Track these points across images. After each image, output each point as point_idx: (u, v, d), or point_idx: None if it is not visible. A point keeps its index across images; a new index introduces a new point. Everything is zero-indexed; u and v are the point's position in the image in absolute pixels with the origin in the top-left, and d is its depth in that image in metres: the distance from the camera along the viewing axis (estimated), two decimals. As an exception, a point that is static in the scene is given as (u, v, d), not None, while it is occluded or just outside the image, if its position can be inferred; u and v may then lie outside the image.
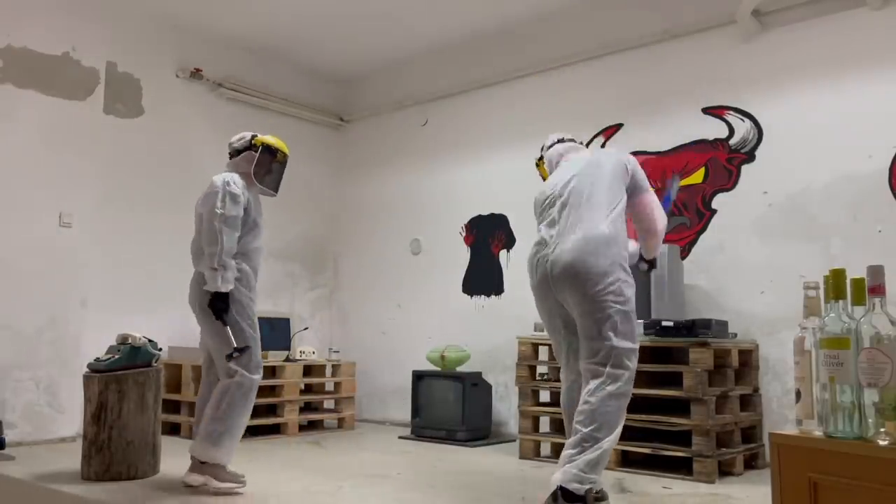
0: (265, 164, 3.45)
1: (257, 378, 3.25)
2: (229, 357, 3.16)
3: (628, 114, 4.74)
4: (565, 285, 2.86)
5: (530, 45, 5.24)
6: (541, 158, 3.42)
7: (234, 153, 3.49)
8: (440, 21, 5.27)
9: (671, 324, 3.71)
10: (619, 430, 2.75)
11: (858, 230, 3.80)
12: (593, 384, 2.76)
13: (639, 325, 4.01)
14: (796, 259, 3.95)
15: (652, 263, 3.27)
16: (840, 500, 1.50)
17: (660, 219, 3.13)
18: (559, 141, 3.32)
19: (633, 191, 3.06)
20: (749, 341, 4.00)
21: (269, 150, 3.47)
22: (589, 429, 2.68)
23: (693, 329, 3.65)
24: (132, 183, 5.02)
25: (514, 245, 5.14)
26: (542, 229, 3.04)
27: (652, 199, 3.11)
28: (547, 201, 3.08)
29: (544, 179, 3.33)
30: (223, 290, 3.13)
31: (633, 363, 2.82)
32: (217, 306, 3.14)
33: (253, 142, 3.46)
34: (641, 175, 3.10)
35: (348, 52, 5.85)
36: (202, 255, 3.20)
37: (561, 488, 2.61)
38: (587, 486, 2.62)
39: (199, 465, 3.14)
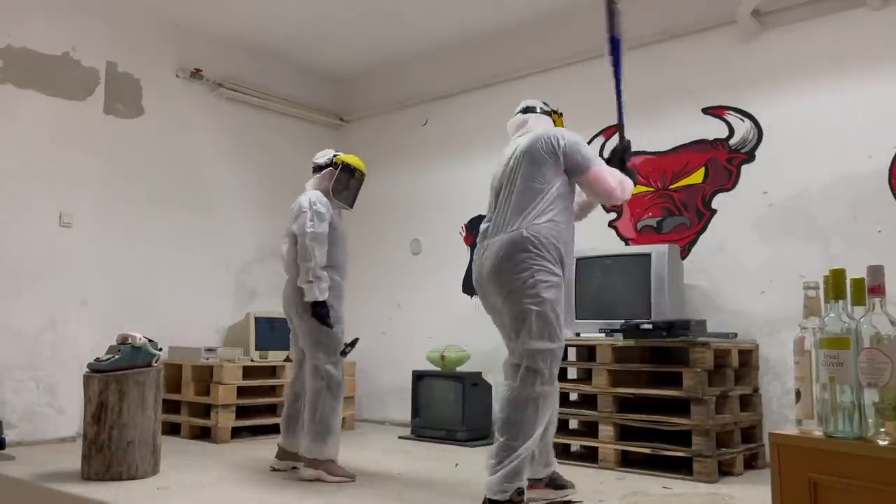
0: (343, 181, 3.74)
1: (342, 374, 3.59)
2: (343, 353, 3.57)
3: (628, 114, 4.70)
4: (490, 289, 2.87)
5: (530, 45, 5.24)
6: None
7: (317, 169, 3.79)
8: (440, 21, 5.27)
9: (650, 325, 3.71)
10: (537, 432, 2.73)
11: (858, 230, 3.80)
12: (507, 387, 2.76)
13: (604, 324, 4.05)
14: (796, 259, 3.95)
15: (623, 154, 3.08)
16: (840, 500, 1.50)
17: (613, 190, 2.92)
18: (523, 110, 3.18)
19: (573, 172, 2.90)
20: (749, 341, 4.00)
21: (348, 169, 3.75)
22: (505, 438, 2.69)
23: (672, 329, 3.65)
24: (132, 183, 5.02)
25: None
26: (481, 228, 3.03)
27: (595, 175, 2.90)
28: (494, 187, 3.03)
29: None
30: (321, 298, 3.46)
31: (548, 365, 2.75)
32: (319, 314, 3.47)
33: (334, 160, 3.77)
34: (579, 154, 2.90)
35: (348, 52, 5.85)
36: (297, 269, 3.54)
37: (486, 498, 2.69)
38: (508, 495, 2.66)
39: (311, 461, 3.45)
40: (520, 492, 2.68)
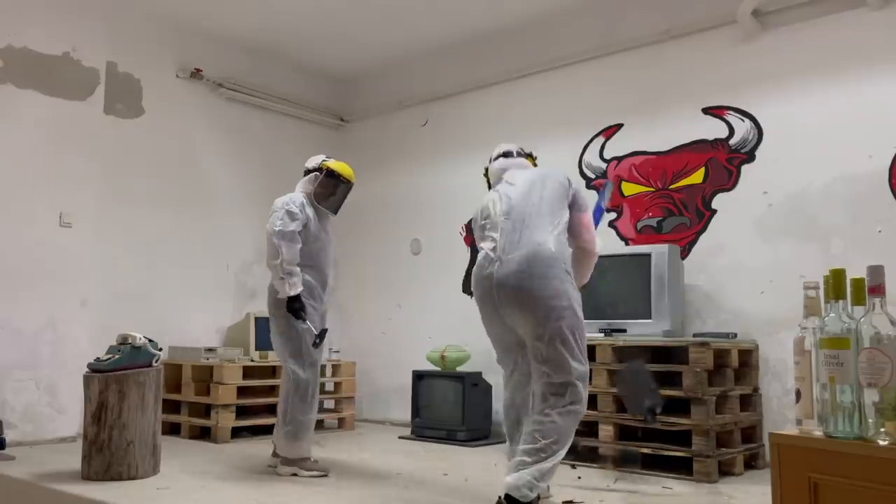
0: (327, 187, 3.78)
1: (311, 375, 3.62)
2: (314, 345, 3.61)
3: (628, 114, 4.74)
4: (514, 307, 2.82)
5: (530, 45, 5.24)
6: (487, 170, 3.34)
7: (306, 173, 3.85)
8: (440, 21, 5.27)
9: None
10: (569, 444, 2.76)
11: (858, 230, 3.80)
12: (553, 400, 2.74)
13: (604, 324, 4.05)
14: (796, 259, 3.95)
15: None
16: (840, 500, 1.50)
17: (595, 240, 3.11)
18: (503, 155, 3.23)
19: (572, 209, 3.02)
20: (749, 341, 4.00)
21: (331, 175, 3.79)
22: (548, 440, 2.67)
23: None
24: (132, 183, 5.02)
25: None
26: (484, 246, 2.98)
27: (589, 220, 3.09)
28: (488, 219, 3.02)
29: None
30: (291, 293, 3.51)
31: (587, 384, 2.80)
32: (293, 307, 3.53)
33: (320, 165, 3.81)
34: (583, 195, 3.08)
35: (348, 52, 5.85)
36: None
37: (507, 495, 2.62)
38: (535, 495, 2.64)
39: (285, 459, 3.58)
40: (540, 496, 2.71)
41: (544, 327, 2.74)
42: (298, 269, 3.56)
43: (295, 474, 3.52)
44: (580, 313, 2.82)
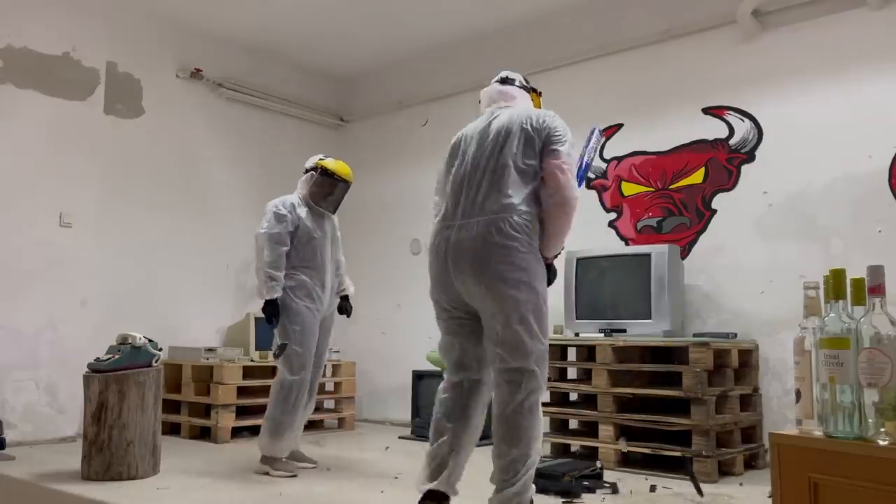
0: (323, 186, 3.78)
1: (297, 378, 3.58)
2: (275, 355, 3.62)
3: (628, 114, 4.74)
4: (468, 278, 2.49)
5: (530, 45, 5.24)
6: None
7: (304, 172, 3.86)
8: (440, 21, 5.27)
9: None
10: (540, 438, 2.51)
11: (858, 230, 3.80)
12: (509, 396, 2.45)
13: (603, 324, 4.06)
14: (796, 259, 3.95)
15: (551, 269, 2.64)
16: (840, 500, 1.50)
17: (569, 185, 2.52)
18: (501, 80, 2.85)
19: (543, 153, 2.55)
20: (749, 341, 4.00)
21: (326, 174, 3.78)
22: (518, 450, 2.43)
23: None
24: (132, 183, 5.02)
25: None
26: (444, 204, 2.65)
27: (565, 163, 2.53)
28: (457, 162, 2.66)
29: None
30: (267, 297, 3.54)
31: (546, 362, 2.51)
32: (266, 311, 3.56)
33: (316, 164, 3.81)
34: (559, 135, 2.56)
35: (348, 52, 5.85)
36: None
37: None
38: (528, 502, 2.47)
39: (263, 457, 3.58)
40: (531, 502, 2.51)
41: (500, 304, 2.44)
42: (281, 274, 3.58)
43: (267, 473, 3.52)
44: (541, 288, 2.50)
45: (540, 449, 2.51)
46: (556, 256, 2.65)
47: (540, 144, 2.55)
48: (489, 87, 2.87)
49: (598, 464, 3.40)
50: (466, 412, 2.62)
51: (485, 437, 4.83)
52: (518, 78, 2.89)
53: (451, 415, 2.63)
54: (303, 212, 3.71)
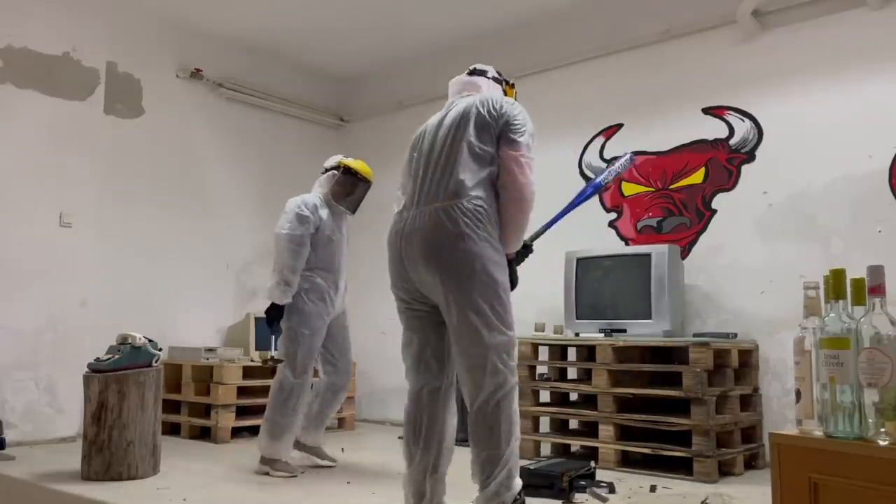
0: (345, 185, 3.75)
1: (299, 382, 3.55)
2: (271, 360, 3.66)
3: (628, 114, 4.74)
4: (421, 268, 2.39)
5: (530, 45, 5.24)
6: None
7: (323, 172, 3.83)
8: (440, 21, 5.27)
9: None
10: (518, 427, 2.37)
11: (858, 230, 3.80)
12: (473, 393, 2.32)
13: (603, 324, 4.06)
14: (796, 259, 3.95)
15: (511, 266, 2.51)
16: (840, 500, 1.50)
17: (521, 181, 2.40)
18: (470, 72, 2.78)
19: (500, 143, 2.44)
20: (749, 341, 4.00)
21: (349, 172, 3.75)
22: (487, 451, 2.31)
23: None
24: (132, 183, 5.02)
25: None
26: (403, 196, 2.58)
27: (521, 158, 2.40)
28: (416, 154, 2.59)
29: None
30: (278, 302, 3.51)
31: (513, 357, 2.38)
32: (270, 315, 3.55)
33: (338, 163, 3.79)
34: (518, 125, 2.44)
35: (348, 52, 5.85)
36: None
37: None
38: (512, 498, 2.32)
39: (263, 458, 3.56)
40: (519, 496, 2.37)
41: (453, 294, 2.33)
42: (297, 278, 3.53)
43: (267, 473, 3.51)
44: (499, 276, 2.36)
45: (516, 447, 2.35)
46: (522, 254, 2.57)
47: (497, 131, 2.43)
48: (457, 78, 2.79)
49: (592, 463, 3.39)
50: (433, 429, 2.47)
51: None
52: (490, 70, 2.79)
53: (416, 434, 2.48)
54: (324, 213, 3.68)
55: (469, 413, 2.36)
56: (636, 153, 4.65)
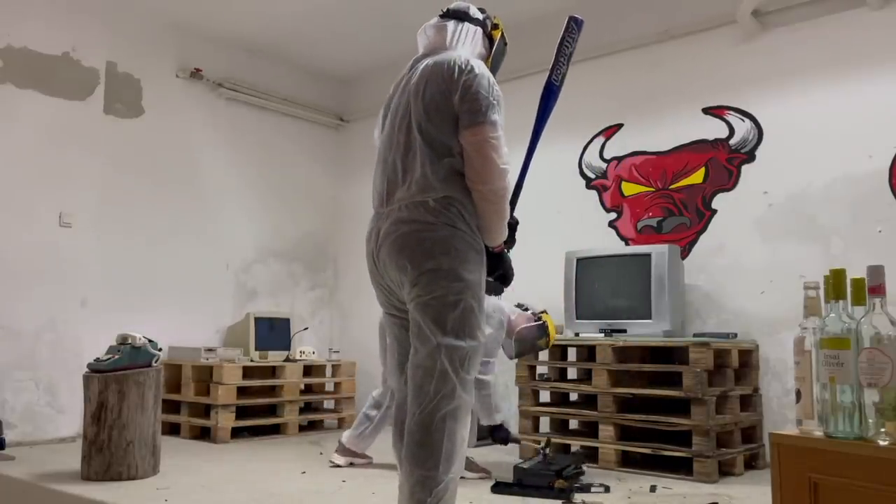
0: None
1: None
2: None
3: (628, 114, 4.74)
4: (389, 267, 2.15)
5: (530, 44, 5.23)
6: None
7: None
8: (440, 21, 5.26)
9: None
10: (463, 457, 2.08)
11: (858, 230, 3.80)
12: (415, 401, 2.04)
13: (603, 324, 4.04)
14: (796, 259, 3.95)
15: (498, 257, 2.29)
16: (840, 500, 1.50)
17: (488, 168, 2.07)
18: (442, 14, 2.39)
19: (462, 117, 2.09)
20: (749, 341, 4.00)
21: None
22: (422, 470, 1.99)
23: None
24: (132, 182, 5.02)
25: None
26: (373, 191, 2.28)
27: (484, 137, 2.06)
28: (383, 134, 2.29)
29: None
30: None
31: (469, 370, 2.08)
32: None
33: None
34: (482, 98, 2.07)
35: (348, 52, 5.84)
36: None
37: None
38: None
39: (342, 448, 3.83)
40: None
41: (416, 291, 2.08)
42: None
43: (352, 463, 3.80)
44: (468, 276, 2.08)
45: (456, 476, 2.04)
46: (507, 246, 2.33)
47: (454, 111, 2.08)
48: (428, 23, 2.35)
49: (577, 456, 3.40)
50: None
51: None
52: (470, 8, 2.35)
53: (402, 439, 2.16)
54: None
55: (407, 424, 2.06)
56: (636, 153, 4.66)
